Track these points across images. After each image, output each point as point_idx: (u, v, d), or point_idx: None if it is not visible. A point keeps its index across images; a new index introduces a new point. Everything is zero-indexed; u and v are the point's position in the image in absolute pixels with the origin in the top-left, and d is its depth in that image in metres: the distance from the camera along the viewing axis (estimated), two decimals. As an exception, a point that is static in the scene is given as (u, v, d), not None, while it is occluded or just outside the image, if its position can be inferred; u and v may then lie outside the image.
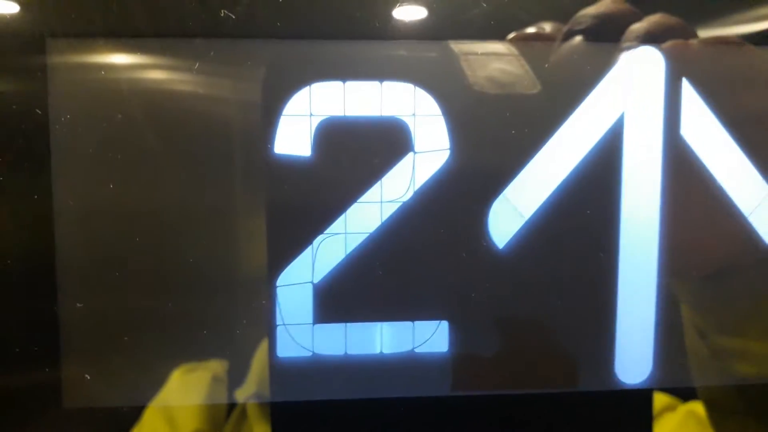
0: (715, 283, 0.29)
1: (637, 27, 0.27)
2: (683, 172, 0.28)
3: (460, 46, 0.27)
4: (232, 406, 0.28)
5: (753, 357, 0.29)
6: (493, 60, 0.27)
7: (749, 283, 0.29)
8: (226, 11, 0.26)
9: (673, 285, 0.29)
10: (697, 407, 0.30)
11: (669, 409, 0.30)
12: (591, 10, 0.27)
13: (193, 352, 0.28)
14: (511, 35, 0.27)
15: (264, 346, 0.28)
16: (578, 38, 0.27)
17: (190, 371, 0.27)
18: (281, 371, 0.28)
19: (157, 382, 0.27)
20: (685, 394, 0.30)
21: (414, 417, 0.29)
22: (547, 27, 0.27)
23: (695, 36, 0.28)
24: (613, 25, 0.27)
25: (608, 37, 0.27)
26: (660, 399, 0.30)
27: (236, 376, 0.28)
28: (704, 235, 0.28)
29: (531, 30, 0.27)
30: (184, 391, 0.28)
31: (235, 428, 0.28)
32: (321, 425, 0.29)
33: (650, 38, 0.27)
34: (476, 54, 0.27)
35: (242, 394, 0.28)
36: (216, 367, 0.28)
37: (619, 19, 0.27)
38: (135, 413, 0.28)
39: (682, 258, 0.28)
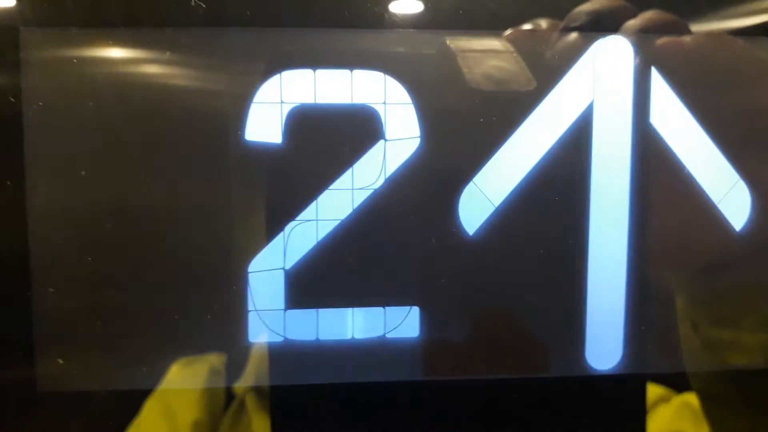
0: (706, 276, 0.29)
1: (632, 23, 0.27)
2: (652, 160, 0.28)
3: (432, 36, 0.27)
4: (230, 399, 0.29)
5: (745, 348, 0.30)
6: (483, 55, 0.27)
7: (741, 274, 0.29)
8: (196, 0, 0.26)
9: (666, 277, 0.29)
10: (691, 398, 0.30)
11: (663, 400, 0.30)
12: (586, 7, 0.27)
13: (170, 339, 0.28)
14: (508, 32, 0.27)
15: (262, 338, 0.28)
16: (574, 35, 0.27)
17: (189, 364, 0.28)
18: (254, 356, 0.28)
19: (127, 366, 0.28)
20: (678, 385, 0.30)
21: (386, 402, 0.29)
22: (544, 23, 0.28)
23: (689, 32, 0.28)
24: (608, 22, 0.28)
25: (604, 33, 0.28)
26: (654, 390, 0.30)
27: (235, 369, 0.28)
28: (674, 221, 0.29)
29: (527, 26, 0.27)
30: (181, 384, 0.28)
31: (233, 420, 0.29)
32: (321, 418, 0.29)
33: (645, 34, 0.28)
34: (454, 46, 0.27)
35: (240, 386, 0.28)
36: (214, 360, 0.28)
37: (615, 15, 0.28)
38: (134, 407, 0.28)
39: (653, 245, 0.29)
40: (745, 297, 0.29)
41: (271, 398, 0.28)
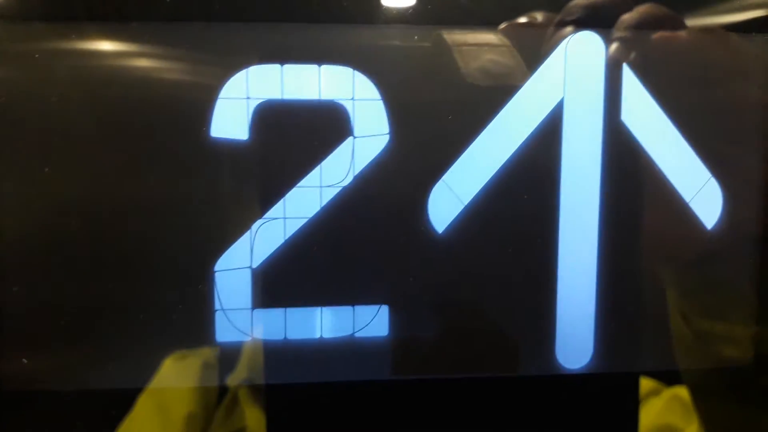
0: (698, 268, 0.29)
1: (628, 17, 0.27)
2: (623, 158, 0.28)
3: (400, 29, 0.27)
4: (223, 392, 0.28)
5: (736, 341, 0.29)
6: (478, 49, 0.27)
7: (719, 269, 0.29)
8: (160, -7, 0.26)
9: (658, 270, 0.29)
10: (682, 391, 0.30)
11: (653, 393, 0.30)
12: (582, 1, 0.27)
13: (135, 338, 0.27)
14: (503, 25, 0.27)
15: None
16: (569, 29, 0.27)
17: (182, 358, 0.28)
18: (222, 355, 0.28)
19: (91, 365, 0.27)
20: (669, 378, 0.30)
21: (354, 401, 0.29)
22: (539, 17, 0.27)
23: (684, 26, 0.28)
24: (603, 16, 0.27)
25: (599, 27, 0.27)
26: (645, 383, 0.30)
27: (227, 363, 0.28)
28: (645, 220, 0.28)
29: (523, 20, 0.27)
30: (175, 378, 0.28)
31: (227, 413, 0.28)
32: (317, 410, 0.29)
33: (641, 28, 0.27)
34: (450, 40, 0.27)
35: (234, 380, 0.28)
36: (207, 354, 0.28)
37: (610, 9, 0.27)
38: (128, 400, 0.28)
39: (623, 243, 0.28)
40: (732, 289, 0.29)
41: (267, 395, 0.28)
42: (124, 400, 0.28)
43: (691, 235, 0.29)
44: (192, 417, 0.28)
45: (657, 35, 0.27)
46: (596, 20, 0.27)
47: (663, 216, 0.28)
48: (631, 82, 0.28)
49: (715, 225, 0.29)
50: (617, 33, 0.27)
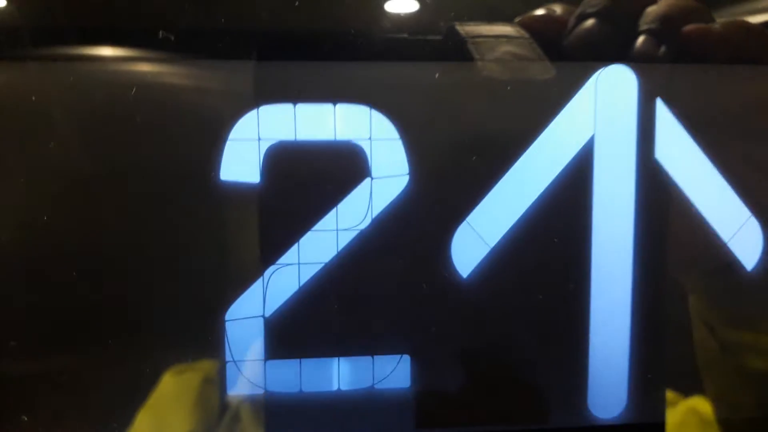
0: (724, 276, 0.28)
1: (653, 9, 0.26)
2: (658, 198, 0.26)
3: (419, 66, 0.25)
4: (224, 409, 0.27)
5: (765, 351, 0.28)
6: (496, 41, 0.25)
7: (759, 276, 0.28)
8: (164, 32, 0.24)
9: (680, 277, 0.27)
10: (699, 403, 0.28)
11: (669, 404, 0.28)
12: None
13: (144, 390, 0.26)
14: (519, 18, 0.26)
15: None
16: (591, 21, 0.25)
17: (181, 372, 0.26)
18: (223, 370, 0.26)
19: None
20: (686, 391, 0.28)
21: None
22: (558, 9, 0.26)
23: (713, 20, 0.26)
24: (628, 7, 0.26)
25: (623, 20, 0.26)
26: None
27: (229, 378, 0.26)
28: (681, 263, 0.27)
29: (541, 12, 0.26)
30: (174, 394, 0.26)
31: (228, 430, 0.27)
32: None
33: (667, 21, 0.26)
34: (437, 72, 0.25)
35: (235, 397, 0.27)
36: (207, 367, 0.26)
37: (634, 0, 0.26)
38: (127, 418, 0.26)
39: (658, 288, 0.27)
40: (765, 297, 0.28)
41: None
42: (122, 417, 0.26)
43: (729, 278, 0.27)
44: None
45: (688, 27, 0.26)
46: (620, 13, 0.26)
47: (701, 260, 0.27)
48: (665, 117, 0.26)
49: (756, 266, 0.27)
50: (643, 26, 0.26)
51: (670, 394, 0.28)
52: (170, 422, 0.27)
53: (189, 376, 0.26)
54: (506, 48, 0.26)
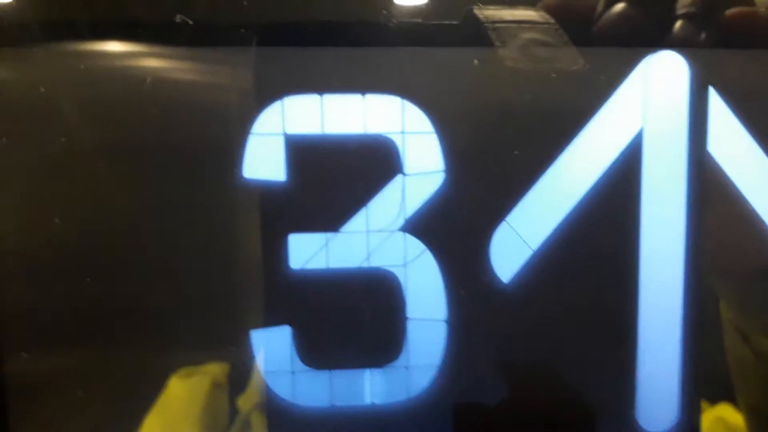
0: (760, 283, 0.26)
1: None
2: (711, 194, 0.25)
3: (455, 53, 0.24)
4: (233, 414, 0.26)
5: None
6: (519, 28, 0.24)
7: None
8: (182, 16, 0.22)
9: (712, 284, 0.26)
10: (726, 412, 0.27)
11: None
12: None
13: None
14: (546, 1, 0.24)
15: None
16: (622, 5, 0.24)
17: (189, 376, 0.25)
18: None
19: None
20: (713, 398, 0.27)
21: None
22: None
23: (753, 3, 0.25)
24: None
25: (658, 3, 0.24)
26: None
27: (238, 381, 0.25)
28: (738, 267, 0.25)
29: None
30: (182, 400, 0.25)
31: None
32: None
33: (707, 4, 0.24)
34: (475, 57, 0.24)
35: (245, 402, 0.26)
36: (216, 371, 0.25)
37: None
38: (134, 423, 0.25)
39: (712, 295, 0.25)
40: None
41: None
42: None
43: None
44: None
45: (732, 11, 0.24)
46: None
47: (757, 260, 0.25)
48: (718, 107, 0.24)
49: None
50: (681, 10, 0.24)
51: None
52: (179, 427, 0.26)
53: (197, 380, 0.25)
54: (531, 35, 0.24)
